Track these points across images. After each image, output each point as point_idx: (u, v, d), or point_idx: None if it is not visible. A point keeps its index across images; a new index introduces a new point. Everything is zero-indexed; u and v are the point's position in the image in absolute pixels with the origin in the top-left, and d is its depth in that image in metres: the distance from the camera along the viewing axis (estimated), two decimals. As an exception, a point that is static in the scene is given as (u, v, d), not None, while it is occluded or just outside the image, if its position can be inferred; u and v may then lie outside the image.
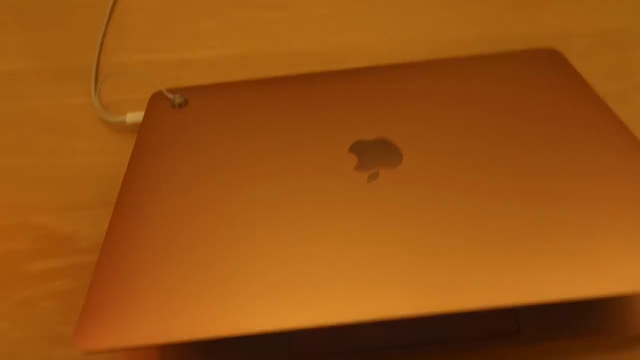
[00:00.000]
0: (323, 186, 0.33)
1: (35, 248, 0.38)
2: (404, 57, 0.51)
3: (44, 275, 0.37)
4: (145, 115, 0.41)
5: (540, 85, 0.40)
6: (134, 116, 0.44)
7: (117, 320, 0.27)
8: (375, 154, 0.35)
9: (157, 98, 0.42)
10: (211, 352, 0.32)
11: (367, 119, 0.38)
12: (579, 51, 0.50)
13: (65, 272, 0.37)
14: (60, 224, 0.40)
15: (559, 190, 0.31)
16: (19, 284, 0.37)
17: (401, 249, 0.29)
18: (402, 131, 0.37)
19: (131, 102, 0.48)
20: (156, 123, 0.40)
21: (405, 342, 0.32)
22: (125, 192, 0.34)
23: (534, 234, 0.29)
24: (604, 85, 0.48)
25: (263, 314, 0.26)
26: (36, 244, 0.39)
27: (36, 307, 0.35)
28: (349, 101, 0.40)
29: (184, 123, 0.39)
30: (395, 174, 0.33)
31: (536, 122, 0.36)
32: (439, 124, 0.37)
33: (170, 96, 0.41)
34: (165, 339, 0.26)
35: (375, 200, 0.31)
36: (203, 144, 0.37)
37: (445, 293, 0.27)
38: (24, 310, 0.35)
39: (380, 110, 0.39)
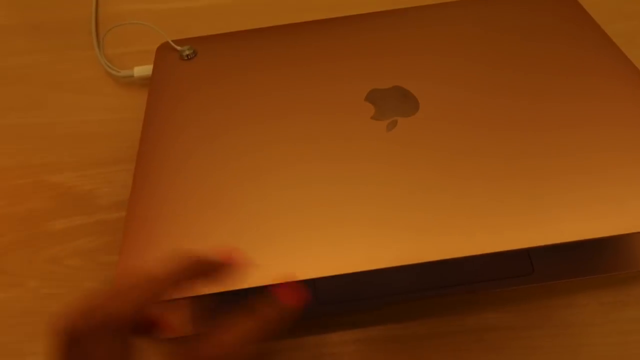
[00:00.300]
0: (343, 136, 0.33)
1: (55, 207, 0.39)
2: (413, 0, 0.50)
3: (67, 234, 0.37)
4: (154, 69, 0.40)
5: (550, 25, 0.39)
6: (142, 70, 0.43)
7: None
8: (391, 103, 0.35)
9: (164, 50, 0.41)
10: (239, 298, 0.34)
11: (380, 65, 0.38)
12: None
13: (88, 229, 0.38)
14: (78, 182, 0.40)
15: (571, 135, 0.32)
16: (43, 242, 0.37)
17: (426, 197, 0.29)
18: (416, 77, 0.36)
19: (136, 54, 0.47)
20: (167, 77, 0.39)
21: (425, 286, 0.34)
22: (145, 149, 0.34)
23: (549, 179, 0.30)
24: (611, 24, 0.47)
25: (295, 264, 0.27)
26: (56, 202, 0.39)
27: (62, 264, 0.36)
28: (360, 48, 0.39)
29: (195, 75, 0.39)
30: (413, 122, 0.33)
31: (547, 63, 0.36)
32: (452, 68, 0.37)
33: (179, 48, 0.40)
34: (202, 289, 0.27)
35: (397, 149, 0.32)
36: (218, 96, 0.37)
37: (467, 238, 0.28)
38: (51, 268, 0.36)
39: (392, 57, 0.38)
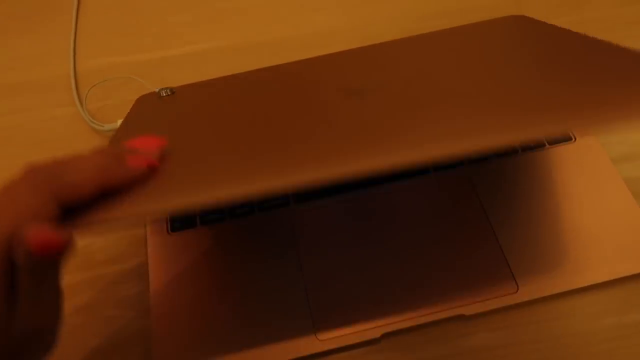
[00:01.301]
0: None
1: (50, 266, 0.39)
2: (379, 36, 0.52)
3: (65, 292, 0.38)
4: (132, 109, 0.41)
5: (516, 51, 0.41)
6: (127, 123, 0.44)
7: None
8: None
9: (144, 98, 0.42)
10: (241, 325, 0.35)
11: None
12: (538, 14, 0.53)
13: (86, 285, 0.38)
14: (72, 239, 0.40)
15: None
16: (42, 303, 0.37)
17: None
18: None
19: (117, 107, 0.48)
20: (142, 110, 0.40)
21: (415, 314, 0.35)
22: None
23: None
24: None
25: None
26: (51, 261, 0.39)
27: (65, 323, 0.36)
28: (331, 88, 0.41)
29: (170, 105, 0.40)
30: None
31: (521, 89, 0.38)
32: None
33: (157, 89, 0.42)
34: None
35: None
36: (190, 127, 0.36)
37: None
38: (53, 328, 0.36)
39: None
